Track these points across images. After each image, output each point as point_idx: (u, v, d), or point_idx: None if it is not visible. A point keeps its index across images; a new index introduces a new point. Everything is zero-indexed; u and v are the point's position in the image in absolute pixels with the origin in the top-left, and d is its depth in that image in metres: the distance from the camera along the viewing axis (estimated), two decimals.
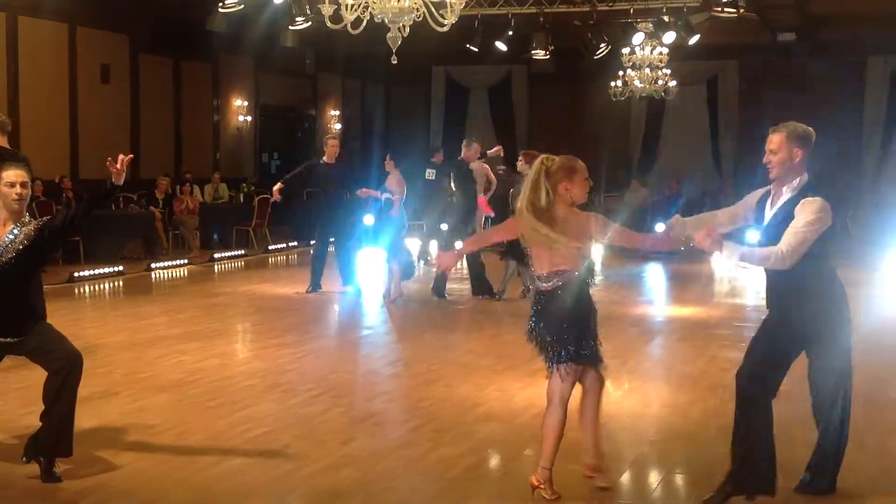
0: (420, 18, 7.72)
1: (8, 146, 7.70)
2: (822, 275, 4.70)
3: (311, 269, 12.01)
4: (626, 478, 5.33)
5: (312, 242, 12.48)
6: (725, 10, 13.78)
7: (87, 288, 12.38)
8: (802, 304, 4.64)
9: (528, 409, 6.57)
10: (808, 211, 4.49)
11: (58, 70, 16.37)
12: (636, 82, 17.85)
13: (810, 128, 4.76)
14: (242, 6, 13.26)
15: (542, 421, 4.91)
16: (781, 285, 4.70)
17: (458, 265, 11.70)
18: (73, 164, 16.56)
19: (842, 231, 4.63)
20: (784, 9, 17.72)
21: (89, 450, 5.36)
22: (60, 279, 12.54)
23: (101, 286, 12.70)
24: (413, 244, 15.17)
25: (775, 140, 4.72)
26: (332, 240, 12.03)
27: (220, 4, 13.44)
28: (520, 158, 10.84)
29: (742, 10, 14.13)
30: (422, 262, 15.12)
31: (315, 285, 11.89)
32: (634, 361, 8.27)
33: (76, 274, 12.67)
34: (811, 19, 18.72)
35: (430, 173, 14.12)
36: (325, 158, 12.00)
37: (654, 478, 5.36)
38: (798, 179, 4.69)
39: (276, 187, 11.96)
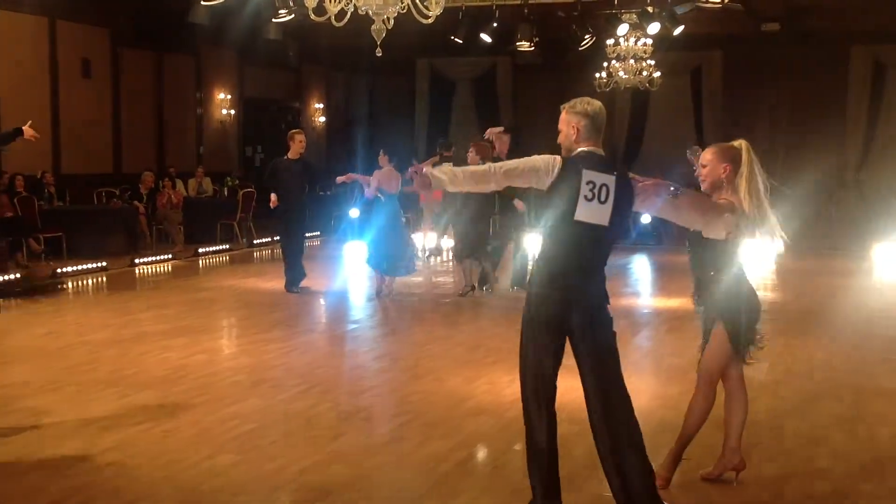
0: (404, 10, 7.66)
1: None
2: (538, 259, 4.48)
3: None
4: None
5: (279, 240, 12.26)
6: (709, 0, 13.78)
7: (70, 284, 12.28)
8: None
9: (517, 402, 6.46)
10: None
11: (38, 64, 16.22)
12: (621, 73, 17.84)
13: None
14: None
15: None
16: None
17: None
18: (54, 159, 16.42)
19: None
20: None
21: (74, 448, 5.30)
22: (44, 275, 12.43)
23: (85, 282, 12.61)
24: (418, 238, 15.15)
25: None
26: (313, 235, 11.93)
27: None
28: (471, 150, 10.88)
29: (726, 1, 14.14)
30: (429, 258, 15.11)
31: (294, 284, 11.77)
32: (622, 353, 8.24)
33: (59, 270, 12.56)
34: (795, 9, 18.75)
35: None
36: (289, 154, 11.62)
37: None
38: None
39: (273, 197, 11.69)
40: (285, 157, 11.68)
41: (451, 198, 12.43)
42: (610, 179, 4.25)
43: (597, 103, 4.49)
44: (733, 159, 4.84)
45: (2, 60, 15.41)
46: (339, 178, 11.87)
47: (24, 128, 7.11)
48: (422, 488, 4.99)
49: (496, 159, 11.22)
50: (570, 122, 4.44)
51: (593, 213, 4.20)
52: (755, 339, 4.84)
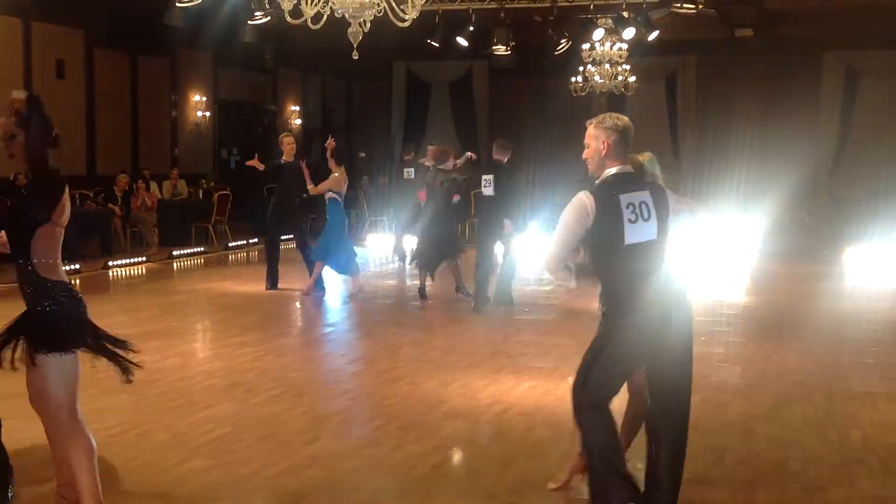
0: (381, 13, 7.67)
1: None
2: (605, 290, 4.42)
3: (272, 267, 11.92)
4: None
5: (265, 240, 12.29)
6: (684, 6, 13.88)
7: None
8: None
9: (492, 406, 6.57)
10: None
11: (12, 65, 16.06)
12: (596, 78, 17.92)
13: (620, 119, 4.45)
14: (200, 1, 13.08)
15: None
16: None
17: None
18: None
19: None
20: (742, 5, 17.85)
21: (46, 454, 5.25)
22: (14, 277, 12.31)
23: None
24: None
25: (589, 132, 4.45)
26: (289, 237, 11.98)
27: None
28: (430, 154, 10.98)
29: (701, 6, 14.25)
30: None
31: (273, 283, 11.86)
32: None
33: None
34: (768, 15, 18.89)
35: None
36: (284, 157, 11.89)
37: None
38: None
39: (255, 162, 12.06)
40: (283, 161, 11.91)
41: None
42: (645, 195, 4.26)
43: (625, 118, 4.38)
44: None
45: None
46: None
47: None
48: (396, 492, 5.00)
49: (441, 171, 11.24)
50: (598, 137, 4.33)
51: (641, 231, 4.20)
52: None
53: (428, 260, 11.17)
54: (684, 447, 4.44)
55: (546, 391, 6.87)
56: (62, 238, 4.03)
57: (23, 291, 4.03)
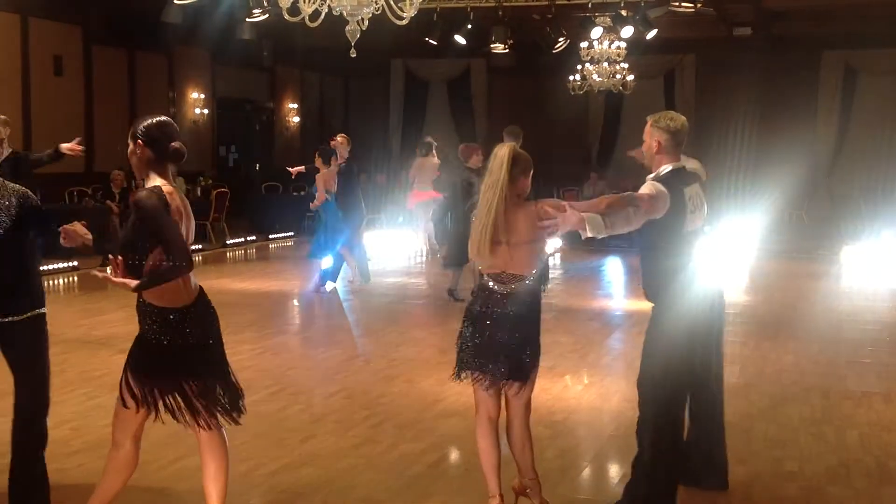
0: (379, 11, 7.66)
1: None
2: (660, 273, 4.52)
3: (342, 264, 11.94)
4: (586, 473, 5.34)
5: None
6: (683, 4, 13.88)
7: None
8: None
9: None
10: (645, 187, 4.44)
11: (9, 62, 16.05)
12: (594, 76, 17.92)
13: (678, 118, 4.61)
14: None
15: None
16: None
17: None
18: None
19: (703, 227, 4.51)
20: (740, 4, 17.87)
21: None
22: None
23: (56, 282, 12.49)
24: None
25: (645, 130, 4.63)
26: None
27: None
28: (477, 153, 10.82)
29: (699, 5, 14.26)
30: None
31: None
32: (594, 355, 8.30)
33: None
34: (767, 14, 18.91)
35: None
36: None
37: (614, 472, 5.38)
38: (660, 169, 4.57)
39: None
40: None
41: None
42: (697, 188, 4.59)
43: (680, 118, 4.58)
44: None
45: None
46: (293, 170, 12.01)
47: (61, 145, 7.42)
48: (393, 490, 5.00)
49: (466, 169, 11.18)
50: (652, 135, 4.56)
51: (695, 220, 4.51)
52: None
53: (458, 260, 10.91)
54: (722, 425, 4.94)
55: (542, 389, 6.86)
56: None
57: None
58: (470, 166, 10.74)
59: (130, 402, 4.00)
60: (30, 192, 4.47)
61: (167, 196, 3.84)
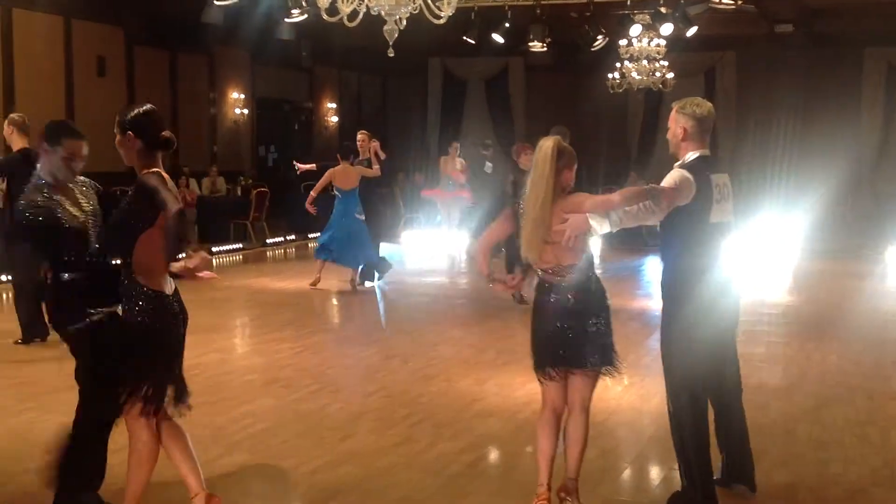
0: (416, 11, 7.66)
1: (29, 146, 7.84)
2: (684, 269, 4.48)
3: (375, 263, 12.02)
4: (626, 474, 5.30)
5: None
6: (723, 1, 13.73)
7: None
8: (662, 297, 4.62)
9: (528, 404, 6.55)
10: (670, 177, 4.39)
11: (53, 64, 16.28)
12: (634, 74, 17.77)
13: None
14: None
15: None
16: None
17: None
18: None
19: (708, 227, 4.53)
20: (781, 0, 17.66)
21: None
22: None
23: None
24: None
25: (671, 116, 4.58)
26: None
27: None
28: (527, 153, 10.70)
29: (740, 2, 14.09)
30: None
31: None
32: (634, 356, 8.23)
33: None
34: (808, 11, 18.66)
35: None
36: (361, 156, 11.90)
37: (654, 474, 5.34)
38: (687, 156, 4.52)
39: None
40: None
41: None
42: (725, 178, 4.52)
43: (707, 105, 4.53)
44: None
45: (18, 59, 15.47)
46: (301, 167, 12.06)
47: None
48: (431, 489, 5.00)
49: (517, 168, 11.09)
50: (677, 121, 4.50)
51: (722, 212, 4.44)
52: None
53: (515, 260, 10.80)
54: (742, 421, 4.78)
55: None
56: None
57: None
58: (521, 165, 10.66)
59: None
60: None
61: (153, 178, 3.93)
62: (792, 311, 10.79)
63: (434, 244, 16.48)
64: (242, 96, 21.20)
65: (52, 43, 16.25)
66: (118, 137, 4.06)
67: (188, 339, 4.65)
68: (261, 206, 17.47)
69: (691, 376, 4.43)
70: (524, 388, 7.00)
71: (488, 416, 6.31)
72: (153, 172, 3.98)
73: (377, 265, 11.91)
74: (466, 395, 6.81)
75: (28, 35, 15.70)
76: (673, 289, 4.48)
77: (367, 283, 11.89)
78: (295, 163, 12.41)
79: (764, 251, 14.63)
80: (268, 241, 17.17)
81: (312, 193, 11.32)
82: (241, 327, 10.10)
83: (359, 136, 12.03)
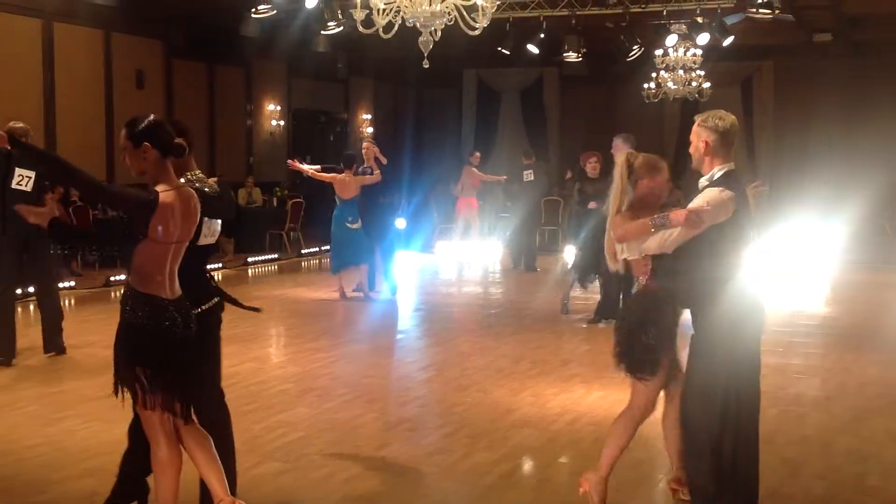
0: (451, 22, 7.70)
1: None
2: (708, 281, 4.39)
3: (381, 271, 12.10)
4: (661, 486, 5.26)
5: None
6: (760, 11, 13.62)
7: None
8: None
9: (562, 415, 6.54)
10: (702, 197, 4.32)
11: (93, 76, 16.53)
12: (670, 84, 17.71)
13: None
14: (275, 12, 13.31)
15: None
16: None
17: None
18: (108, 170, 16.70)
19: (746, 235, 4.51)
20: (819, 10, 17.49)
21: (118, 457, 5.38)
22: (97, 283, 12.66)
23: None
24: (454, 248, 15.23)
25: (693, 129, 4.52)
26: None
27: (253, 11, 13.51)
28: (592, 160, 10.65)
29: (777, 12, 13.96)
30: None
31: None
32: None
33: (112, 278, 12.76)
34: (846, 20, 18.47)
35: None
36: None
37: None
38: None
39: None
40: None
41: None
42: (745, 189, 4.47)
43: (730, 117, 4.45)
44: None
45: (59, 72, 15.73)
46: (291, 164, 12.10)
47: None
48: (466, 499, 5.00)
49: (587, 178, 10.93)
50: (700, 135, 4.44)
51: (750, 223, 4.44)
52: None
53: (586, 273, 10.17)
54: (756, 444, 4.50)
55: (617, 401, 6.77)
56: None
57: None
58: (588, 174, 10.59)
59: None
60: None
61: (160, 196, 3.93)
62: (829, 322, 10.66)
63: (467, 254, 16.48)
64: (278, 108, 21.38)
65: (92, 56, 16.49)
66: (130, 151, 4.02)
67: (224, 349, 4.70)
68: (296, 216, 17.59)
69: (713, 384, 4.32)
70: (558, 398, 6.99)
71: (523, 426, 6.29)
72: (168, 192, 3.99)
73: (375, 274, 12.01)
74: (501, 406, 6.80)
75: (69, 48, 15.95)
76: (697, 302, 4.41)
77: (374, 292, 11.95)
78: (289, 161, 12.39)
79: (802, 261, 14.47)
80: (303, 251, 17.27)
81: (307, 169, 11.67)
82: (276, 337, 10.16)
83: (364, 145, 12.16)
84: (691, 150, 4.49)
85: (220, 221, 4.48)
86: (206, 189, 4.32)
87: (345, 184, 11.51)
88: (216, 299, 4.53)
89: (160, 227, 3.92)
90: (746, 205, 4.37)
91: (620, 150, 10.23)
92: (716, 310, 4.31)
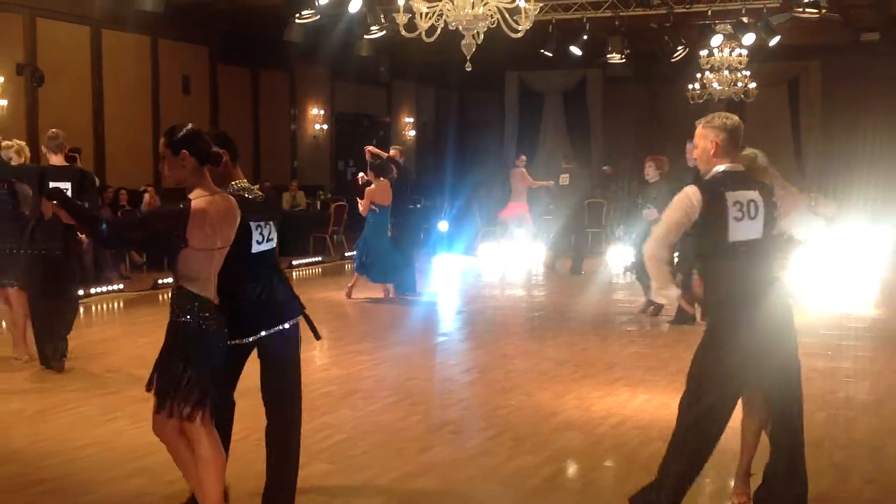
0: (494, 25, 7.71)
1: (66, 163, 8.02)
2: (714, 288, 4.32)
3: (410, 273, 12.17)
4: (700, 487, 5.20)
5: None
6: (807, 10, 13.44)
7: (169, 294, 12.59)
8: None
9: (607, 418, 6.50)
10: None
11: (140, 82, 16.77)
12: (715, 84, 17.54)
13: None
14: (319, 17, 13.42)
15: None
16: None
17: None
18: (156, 175, 16.93)
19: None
20: (866, 8, 17.21)
21: (165, 457, 5.45)
22: (145, 286, 12.83)
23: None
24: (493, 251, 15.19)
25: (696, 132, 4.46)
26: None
27: (297, 16, 13.62)
28: (649, 164, 10.65)
29: (824, 11, 13.77)
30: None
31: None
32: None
33: (160, 281, 12.92)
34: (895, 19, 18.16)
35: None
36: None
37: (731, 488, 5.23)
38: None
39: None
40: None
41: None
42: (755, 194, 4.26)
43: (735, 117, 4.41)
44: None
45: (107, 78, 15.99)
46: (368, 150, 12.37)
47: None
48: (509, 502, 4.99)
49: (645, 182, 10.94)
50: (707, 136, 4.35)
51: (746, 230, 4.20)
52: None
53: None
54: (800, 462, 4.42)
55: (662, 404, 6.74)
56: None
57: None
58: (647, 177, 10.64)
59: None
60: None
61: (192, 203, 3.99)
62: (878, 324, 10.48)
63: (511, 257, 16.46)
64: (322, 112, 21.53)
65: (140, 62, 16.74)
66: (169, 159, 4.10)
67: None
68: (339, 219, 17.70)
69: (717, 414, 4.30)
70: (602, 402, 6.95)
71: (567, 429, 6.27)
72: (202, 198, 4.04)
73: (404, 281, 12.07)
74: (545, 409, 6.79)
75: (117, 55, 16.21)
76: (710, 310, 4.34)
77: (407, 294, 12.03)
78: (367, 148, 12.57)
79: (851, 264, 14.24)
80: (346, 254, 17.34)
81: (364, 212, 11.74)
82: (320, 339, 10.21)
83: (392, 152, 12.35)
84: (696, 153, 4.40)
85: (272, 226, 4.54)
86: (248, 195, 4.36)
87: (385, 191, 11.63)
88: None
89: (197, 233, 3.98)
90: (722, 208, 4.16)
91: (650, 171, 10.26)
92: (711, 302, 4.29)
